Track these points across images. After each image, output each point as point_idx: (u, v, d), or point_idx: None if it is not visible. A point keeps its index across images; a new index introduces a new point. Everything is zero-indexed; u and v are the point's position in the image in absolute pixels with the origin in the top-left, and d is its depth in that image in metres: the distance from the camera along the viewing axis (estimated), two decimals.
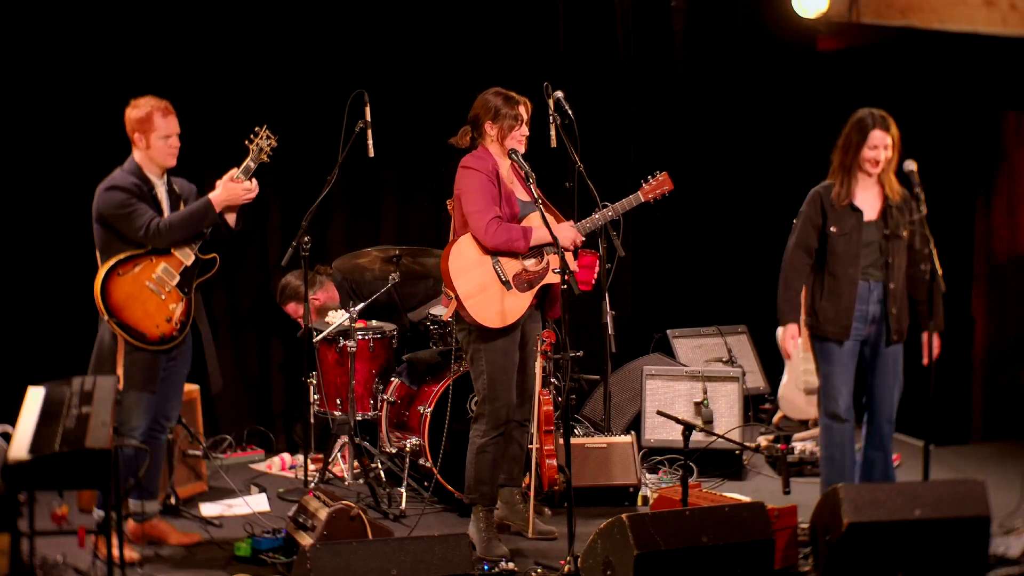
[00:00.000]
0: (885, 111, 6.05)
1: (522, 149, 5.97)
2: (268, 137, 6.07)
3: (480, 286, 5.86)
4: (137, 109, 5.90)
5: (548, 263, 5.91)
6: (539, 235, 5.83)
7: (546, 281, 5.93)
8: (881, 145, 5.98)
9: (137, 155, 5.92)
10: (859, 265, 6.02)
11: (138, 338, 5.82)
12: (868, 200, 6.07)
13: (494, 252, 5.86)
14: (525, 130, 5.98)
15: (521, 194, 5.95)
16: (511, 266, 5.89)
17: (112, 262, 5.82)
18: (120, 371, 5.83)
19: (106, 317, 5.80)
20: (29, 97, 7.14)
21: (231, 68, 7.52)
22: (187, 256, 5.94)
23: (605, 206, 6.02)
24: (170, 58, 7.37)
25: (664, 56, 8.57)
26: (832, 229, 6.05)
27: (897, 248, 6.03)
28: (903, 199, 6.06)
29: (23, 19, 7.10)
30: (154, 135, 5.88)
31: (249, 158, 6.00)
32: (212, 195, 5.90)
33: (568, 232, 5.88)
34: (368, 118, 6.81)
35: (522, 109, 5.96)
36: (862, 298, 6.03)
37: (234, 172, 5.93)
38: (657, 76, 8.56)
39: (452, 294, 5.92)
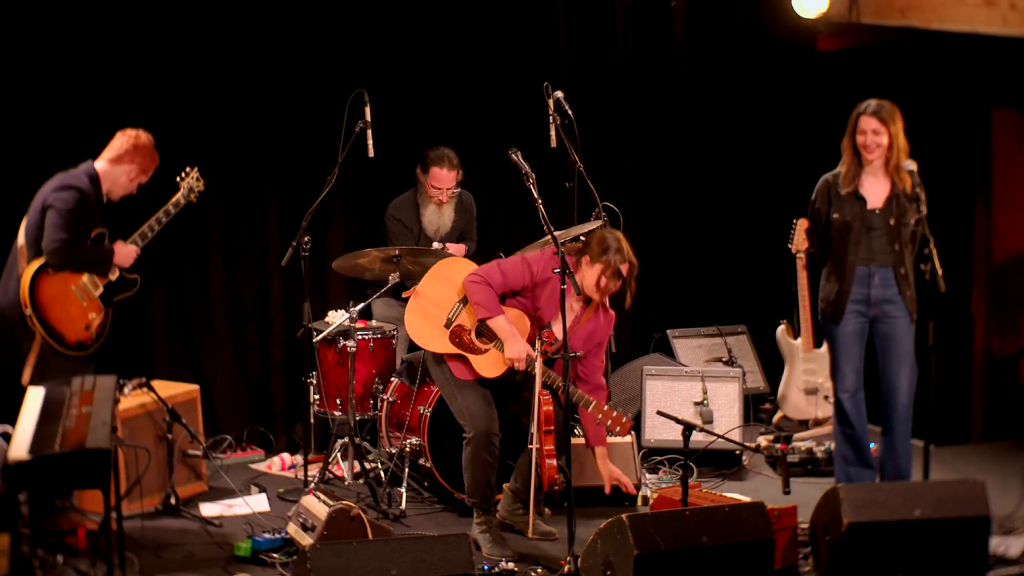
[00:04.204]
0: (893, 103, 6.13)
1: (603, 298, 6.00)
2: (198, 179, 6.51)
3: (434, 300, 6.09)
4: (148, 141, 6.26)
5: (487, 354, 5.98)
6: (499, 325, 5.90)
7: (471, 359, 5.98)
8: (869, 130, 6.14)
9: (103, 168, 6.20)
10: (859, 252, 6.22)
11: (56, 339, 5.97)
12: (875, 188, 6.21)
13: (468, 297, 5.99)
14: (619, 286, 5.98)
15: (557, 320, 5.89)
16: (465, 318, 6.03)
17: (44, 260, 6.03)
18: (29, 366, 5.99)
19: (29, 311, 5.93)
20: (27, 97, 7.13)
21: (231, 68, 7.51)
22: (113, 272, 6.24)
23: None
24: (168, 57, 7.36)
25: (664, 56, 8.57)
26: (835, 216, 6.24)
27: (905, 235, 6.17)
28: (913, 190, 6.15)
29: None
30: (140, 174, 6.27)
31: (176, 197, 6.47)
32: (116, 255, 6.22)
33: (520, 349, 5.86)
34: (368, 118, 6.82)
35: (625, 268, 5.94)
36: (861, 281, 6.24)
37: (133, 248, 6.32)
38: (657, 76, 8.56)
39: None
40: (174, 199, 6.50)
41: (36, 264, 6.01)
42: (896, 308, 6.23)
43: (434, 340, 6.07)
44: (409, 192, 7.46)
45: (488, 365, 5.98)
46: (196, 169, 6.60)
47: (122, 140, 6.26)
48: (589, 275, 5.92)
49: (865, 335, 6.32)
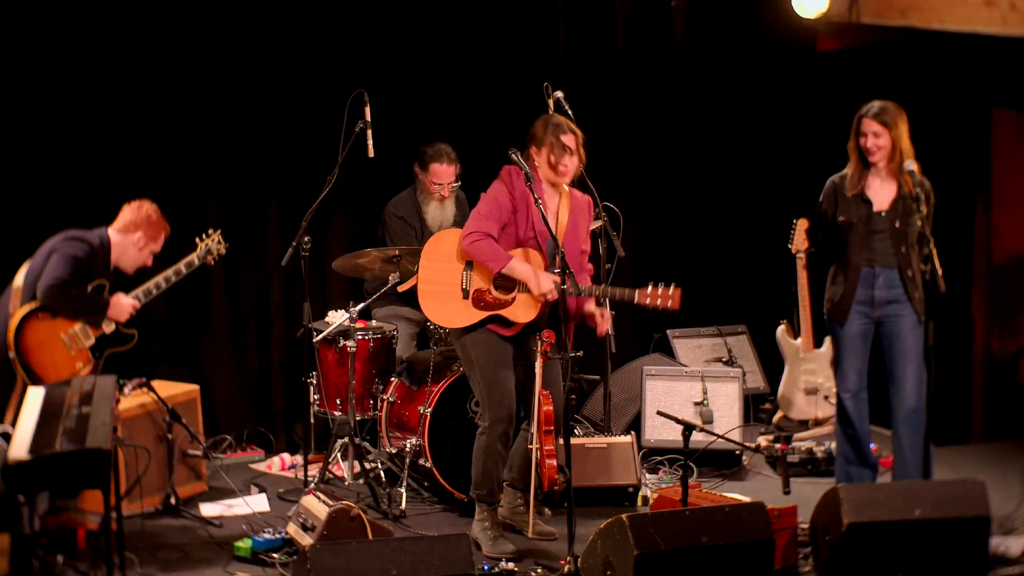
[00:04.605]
0: (898, 105, 6.13)
1: (567, 179, 6.01)
2: (219, 242, 6.57)
3: (440, 280, 6.04)
4: (153, 211, 6.36)
5: (516, 301, 5.95)
6: (517, 268, 5.89)
7: (504, 314, 5.96)
8: (870, 132, 6.15)
9: (114, 237, 6.28)
10: (864, 254, 6.22)
11: (36, 383, 5.93)
12: (881, 191, 6.21)
13: (470, 260, 5.96)
14: (574, 160, 5.98)
15: (549, 214, 5.93)
16: (478, 280, 6.00)
17: (37, 304, 6.06)
18: (12, 408, 5.97)
19: (12, 353, 5.96)
20: (30, 105, 7.13)
21: (231, 68, 7.51)
22: (108, 324, 6.25)
23: (598, 290, 5.94)
24: (169, 57, 7.36)
25: (664, 56, 8.56)
26: (841, 218, 6.25)
27: (911, 237, 6.18)
28: (919, 192, 6.12)
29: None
30: (150, 242, 6.35)
31: (191, 257, 6.49)
32: (111, 307, 6.21)
33: (546, 282, 5.86)
34: (368, 118, 6.83)
35: (568, 139, 5.94)
36: (866, 282, 6.25)
37: (136, 299, 6.34)
38: (657, 76, 8.56)
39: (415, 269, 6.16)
40: (188, 259, 6.49)
41: (27, 308, 6.02)
42: (901, 308, 6.21)
43: (461, 315, 6.02)
44: (408, 190, 7.46)
45: (523, 310, 5.95)
46: (219, 232, 6.62)
47: (128, 210, 6.37)
48: (542, 162, 5.94)
49: (869, 336, 6.31)
